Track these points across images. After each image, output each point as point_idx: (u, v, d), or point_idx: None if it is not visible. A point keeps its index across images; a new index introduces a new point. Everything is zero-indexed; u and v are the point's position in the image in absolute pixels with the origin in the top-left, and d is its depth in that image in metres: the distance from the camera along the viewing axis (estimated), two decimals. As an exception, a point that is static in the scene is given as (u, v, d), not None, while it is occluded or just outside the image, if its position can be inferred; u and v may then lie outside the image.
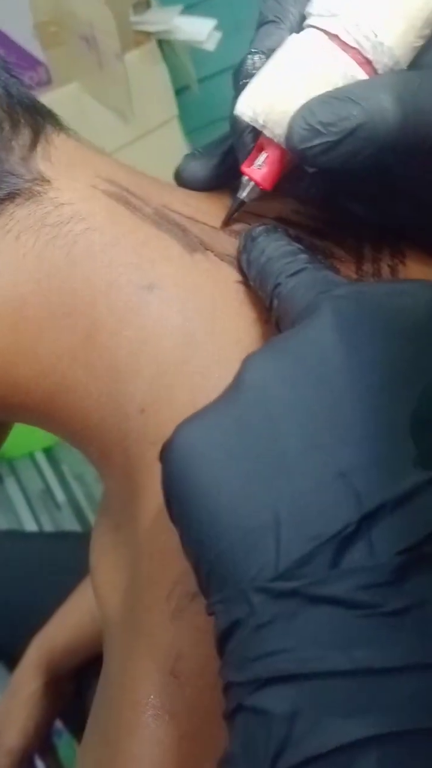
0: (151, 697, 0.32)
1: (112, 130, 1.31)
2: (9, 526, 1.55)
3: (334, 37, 0.34)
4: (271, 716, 0.24)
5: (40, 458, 1.66)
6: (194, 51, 1.33)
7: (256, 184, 0.37)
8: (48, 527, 1.55)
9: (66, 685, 0.82)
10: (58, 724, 0.85)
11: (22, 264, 0.35)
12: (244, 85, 0.35)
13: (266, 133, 0.35)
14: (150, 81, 1.32)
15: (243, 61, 0.36)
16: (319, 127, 0.32)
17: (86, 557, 0.84)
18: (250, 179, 0.37)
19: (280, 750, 0.23)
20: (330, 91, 0.33)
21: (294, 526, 0.25)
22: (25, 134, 0.36)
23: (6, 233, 0.35)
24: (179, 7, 1.29)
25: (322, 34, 0.34)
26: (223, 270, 0.36)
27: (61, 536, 1.22)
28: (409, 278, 0.39)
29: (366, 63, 0.34)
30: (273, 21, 0.36)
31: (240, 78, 0.36)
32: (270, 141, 0.36)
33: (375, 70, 0.34)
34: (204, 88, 1.44)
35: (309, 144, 0.32)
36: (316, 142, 0.32)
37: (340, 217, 0.40)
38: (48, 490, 1.61)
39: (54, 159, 0.37)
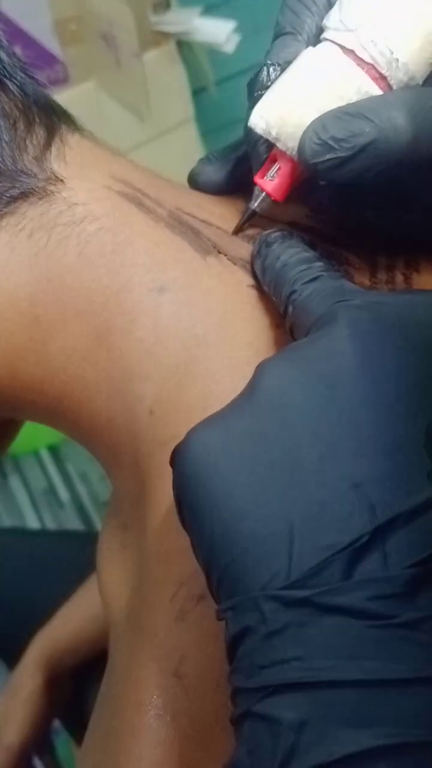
0: (154, 697, 0.32)
1: (129, 130, 1.32)
2: (12, 524, 1.55)
3: (350, 52, 0.34)
4: (279, 724, 0.24)
5: (45, 456, 1.66)
6: (212, 52, 1.33)
7: (268, 195, 0.37)
8: (51, 525, 1.55)
9: (66, 684, 0.82)
10: (56, 723, 0.85)
11: (34, 263, 0.35)
12: (259, 96, 0.35)
13: (279, 145, 0.35)
14: (168, 81, 1.33)
15: (258, 73, 0.36)
16: (331, 142, 0.32)
17: (89, 556, 0.84)
18: (262, 190, 0.37)
19: (287, 758, 0.23)
20: (343, 106, 0.33)
21: (307, 535, 0.25)
22: (40, 134, 0.36)
23: (19, 231, 0.35)
24: (199, 9, 1.30)
25: (338, 48, 0.34)
26: (235, 274, 0.36)
27: (64, 535, 1.22)
28: (425, 288, 0.39)
29: (381, 78, 0.34)
30: (290, 33, 0.36)
31: (255, 89, 0.36)
32: (283, 153, 0.36)
33: (390, 86, 0.34)
34: (221, 90, 1.44)
35: (321, 159, 0.32)
36: (328, 156, 0.32)
37: (353, 224, 0.39)
38: (52, 489, 1.61)
39: (68, 159, 0.37)
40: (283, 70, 0.35)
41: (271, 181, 0.37)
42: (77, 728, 0.87)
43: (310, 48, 0.35)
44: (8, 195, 0.34)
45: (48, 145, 0.36)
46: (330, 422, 0.26)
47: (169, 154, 1.32)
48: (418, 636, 0.24)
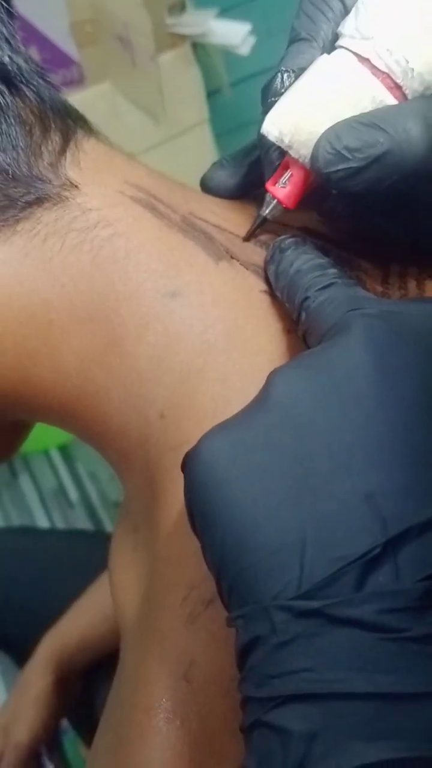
0: (164, 701, 0.32)
1: (143, 131, 1.32)
2: (22, 523, 1.56)
3: (365, 60, 0.34)
4: (289, 734, 0.24)
5: (55, 456, 1.66)
6: (227, 54, 1.33)
7: (279, 202, 0.37)
8: (60, 525, 1.55)
9: (74, 684, 0.83)
10: (64, 722, 0.86)
11: (48, 268, 0.35)
12: (273, 103, 0.35)
13: (292, 153, 0.35)
14: (182, 83, 1.33)
15: (272, 79, 0.36)
16: (344, 152, 0.32)
17: (98, 556, 0.84)
18: (273, 197, 0.37)
19: None
20: (357, 116, 0.32)
21: (319, 546, 0.25)
22: (55, 140, 0.36)
23: (33, 237, 0.35)
24: (214, 11, 1.30)
25: (353, 56, 0.34)
26: (248, 279, 0.36)
27: (74, 534, 1.23)
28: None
29: (396, 88, 0.34)
30: (305, 39, 0.35)
31: (269, 96, 0.36)
32: (295, 161, 0.36)
33: (405, 96, 0.34)
34: (236, 92, 1.44)
35: (334, 168, 0.32)
36: (341, 167, 0.32)
37: (366, 232, 0.39)
38: (61, 488, 1.62)
39: (83, 164, 0.37)
40: (297, 76, 0.35)
41: (282, 188, 0.37)
42: (84, 728, 0.88)
43: (325, 55, 0.35)
44: (24, 200, 0.35)
45: (63, 150, 0.36)
46: (343, 433, 0.26)
47: (184, 156, 1.32)
48: (428, 650, 0.24)
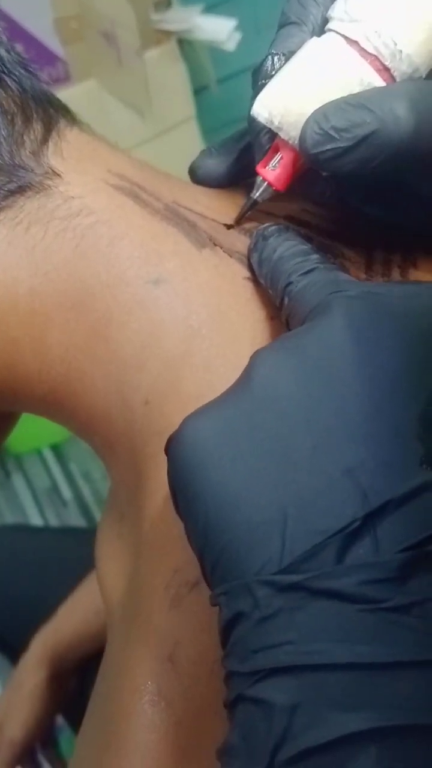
0: (149, 683, 0.32)
1: (130, 128, 1.32)
2: (15, 522, 1.56)
3: (354, 43, 0.34)
4: (271, 707, 0.24)
5: (48, 455, 1.66)
6: (214, 51, 1.33)
7: (269, 184, 0.37)
8: (54, 524, 1.55)
9: (69, 680, 0.83)
10: (60, 719, 0.86)
11: (31, 256, 0.35)
12: (263, 85, 0.36)
13: (281, 135, 0.35)
14: (169, 80, 1.33)
15: (262, 62, 0.36)
16: (332, 132, 0.32)
17: (91, 553, 0.84)
18: (264, 180, 0.37)
19: (280, 741, 0.23)
20: (345, 97, 0.33)
21: (300, 521, 0.25)
22: (37, 129, 0.36)
23: (16, 225, 0.35)
24: (200, 7, 1.30)
25: (342, 39, 0.34)
26: (231, 266, 0.37)
27: (67, 531, 1.23)
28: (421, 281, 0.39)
29: (384, 70, 0.34)
30: (294, 23, 0.36)
31: (259, 78, 0.36)
32: (285, 143, 0.36)
33: (393, 78, 0.34)
34: (222, 88, 1.44)
35: (321, 149, 0.32)
36: (329, 147, 0.32)
37: (351, 218, 0.40)
38: (55, 487, 1.61)
39: (65, 153, 0.37)
40: (287, 59, 0.35)
41: (273, 171, 0.37)
42: (80, 724, 0.88)
43: (315, 38, 0.35)
44: (6, 189, 0.35)
45: (45, 139, 0.36)
46: (324, 411, 0.26)
47: (171, 153, 1.32)
48: (407, 620, 0.24)
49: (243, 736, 0.24)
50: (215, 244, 0.37)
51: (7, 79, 0.36)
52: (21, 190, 0.35)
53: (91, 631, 0.81)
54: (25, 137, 0.36)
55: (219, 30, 1.28)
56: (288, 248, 0.34)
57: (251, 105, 0.36)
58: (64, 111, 0.38)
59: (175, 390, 0.34)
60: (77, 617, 0.81)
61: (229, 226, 0.38)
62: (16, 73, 0.36)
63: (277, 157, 0.37)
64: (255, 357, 0.29)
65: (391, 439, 0.26)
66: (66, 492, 1.60)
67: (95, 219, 0.36)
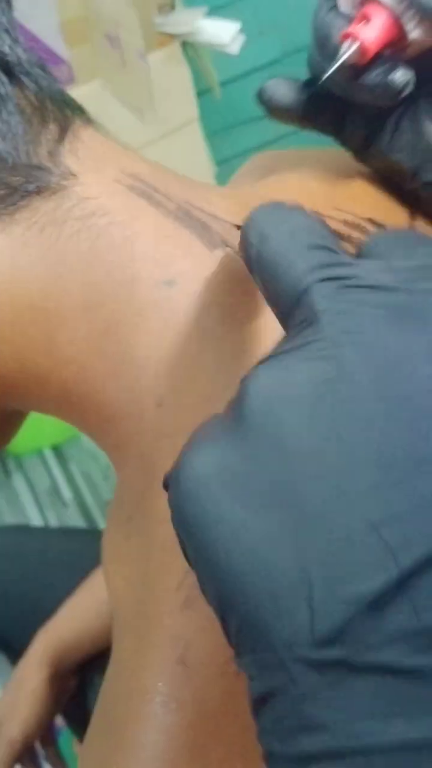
0: (159, 684, 0.32)
1: (133, 130, 1.32)
2: (15, 522, 1.56)
3: None
4: None
5: (49, 455, 1.66)
6: (217, 54, 1.34)
7: (361, 44, 0.36)
8: (54, 524, 1.55)
9: (69, 680, 0.83)
10: (59, 720, 0.86)
11: (46, 256, 0.35)
12: None
13: None
14: (172, 82, 1.33)
15: None
16: None
17: (92, 553, 0.84)
18: (355, 38, 0.37)
19: None
20: None
21: (326, 587, 0.23)
22: (53, 129, 0.36)
23: (31, 225, 0.35)
24: (204, 10, 1.30)
25: None
26: (242, 267, 0.37)
27: (67, 532, 1.22)
28: None
29: None
30: None
31: None
32: (380, 7, 0.36)
33: None
34: (225, 91, 1.44)
35: None
36: None
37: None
38: (55, 488, 1.62)
39: (81, 154, 0.37)
40: None
41: (364, 29, 0.36)
42: (79, 725, 0.88)
43: None
44: (23, 190, 0.35)
45: (61, 140, 0.36)
46: (334, 453, 0.23)
47: (174, 155, 1.32)
48: None
49: None
50: (227, 245, 0.37)
51: (24, 78, 0.36)
52: (38, 190, 0.35)
53: (92, 631, 0.81)
54: (41, 137, 0.36)
55: (222, 33, 1.28)
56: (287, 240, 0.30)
57: None
58: (79, 111, 0.39)
59: (187, 391, 0.34)
60: (78, 617, 0.81)
61: (239, 227, 0.38)
62: (34, 73, 0.36)
63: (368, 24, 0.36)
64: (249, 381, 0.26)
65: (419, 482, 0.23)
66: (66, 492, 1.60)
67: (110, 220, 0.36)
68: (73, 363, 0.36)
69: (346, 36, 0.37)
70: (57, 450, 1.66)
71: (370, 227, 0.40)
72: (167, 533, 0.33)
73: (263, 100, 0.42)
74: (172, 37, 1.30)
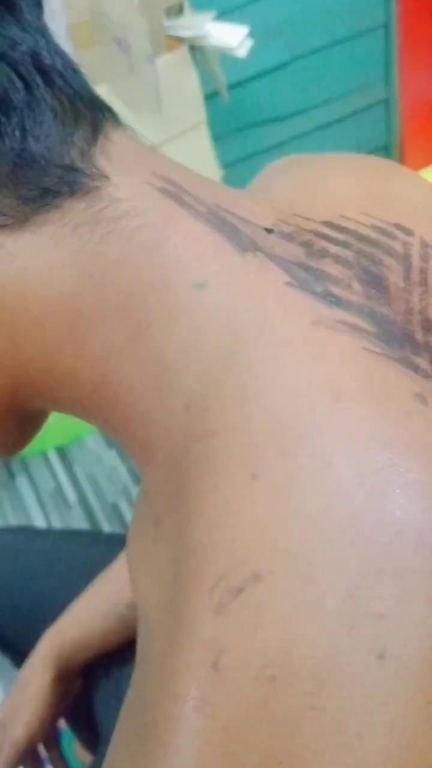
0: (192, 689, 0.31)
1: (141, 133, 1.32)
2: (19, 524, 1.56)
3: None
4: None
5: (53, 457, 1.66)
6: (225, 57, 1.34)
7: None
8: (58, 526, 1.55)
9: (74, 681, 0.83)
10: (61, 723, 0.86)
11: (77, 257, 0.35)
12: None
13: None
14: (180, 86, 1.33)
15: None
16: None
17: (96, 555, 0.84)
18: None
19: None
20: None
21: None
22: (85, 130, 0.37)
23: (63, 226, 0.35)
24: (212, 14, 1.30)
25: None
26: (272, 271, 0.37)
27: (72, 534, 1.23)
28: None
29: None
30: None
31: None
32: None
33: None
34: (233, 95, 1.45)
35: None
36: None
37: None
38: (59, 490, 1.62)
39: (112, 155, 0.37)
40: None
41: None
42: (81, 728, 0.88)
43: None
44: (56, 190, 0.35)
45: (93, 140, 0.37)
46: None
47: (182, 158, 1.32)
48: None
49: None
50: (257, 249, 0.37)
51: (58, 80, 0.36)
52: (70, 191, 0.35)
53: (97, 634, 0.81)
54: (74, 138, 0.36)
55: (230, 37, 1.29)
56: None
57: None
58: (109, 113, 0.39)
59: (216, 395, 0.34)
60: (84, 619, 0.81)
61: (269, 230, 0.38)
62: (67, 75, 0.36)
63: None
64: None
65: None
66: (71, 494, 1.60)
67: (141, 222, 0.36)
68: (103, 364, 0.36)
69: None
70: (61, 452, 1.66)
71: (398, 233, 0.40)
72: (200, 537, 0.33)
73: None
74: (180, 40, 1.30)
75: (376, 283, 0.37)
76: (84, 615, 0.81)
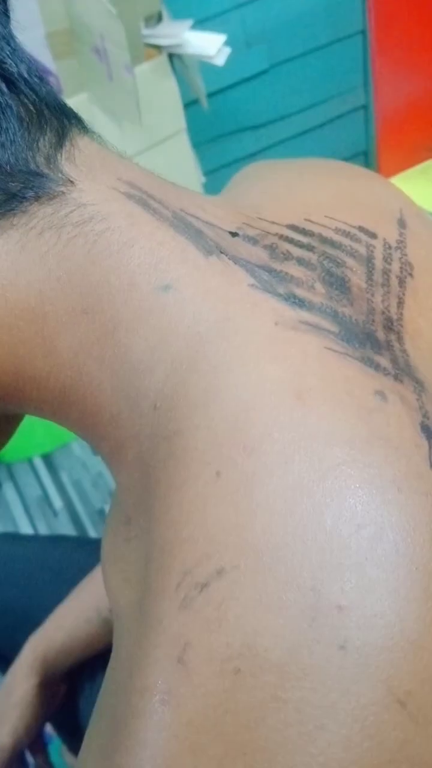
0: (159, 683, 0.32)
1: (120, 142, 1.31)
2: (5, 531, 1.56)
3: None
4: None
5: (39, 464, 1.66)
6: (204, 65, 1.35)
7: None
8: (44, 533, 1.55)
9: (59, 686, 0.83)
10: (49, 728, 0.86)
11: (44, 261, 0.36)
12: None
13: None
14: (159, 94, 1.34)
15: None
16: None
17: (82, 561, 0.84)
18: None
19: None
20: None
21: None
22: (51, 136, 0.37)
23: (29, 230, 0.36)
24: (190, 22, 1.31)
25: None
26: (236, 273, 0.37)
27: (57, 539, 1.23)
28: (418, 291, 0.40)
29: None
30: None
31: None
32: None
33: None
34: (213, 102, 1.45)
35: None
36: None
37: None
38: (45, 497, 1.62)
39: (78, 161, 0.38)
40: None
41: None
42: (69, 734, 0.88)
43: None
44: (21, 195, 0.35)
45: (59, 146, 0.37)
46: None
47: (162, 166, 1.33)
48: None
49: None
50: (221, 252, 0.38)
51: (23, 86, 0.37)
52: (36, 196, 0.36)
53: (82, 638, 0.81)
54: (39, 144, 0.37)
55: (208, 45, 1.29)
56: None
57: None
58: (75, 119, 0.39)
59: (183, 395, 0.35)
60: (68, 625, 0.81)
61: (233, 234, 0.39)
62: (32, 80, 0.37)
63: None
64: None
65: None
66: (57, 501, 1.60)
67: (107, 226, 0.37)
68: (70, 367, 0.37)
69: None
70: (47, 458, 1.66)
71: (362, 235, 0.41)
72: (166, 534, 0.34)
73: None
74: (159, 49, 1.31)
75: (338, 284, 0.38)
76: (67, 621, 0.81)
